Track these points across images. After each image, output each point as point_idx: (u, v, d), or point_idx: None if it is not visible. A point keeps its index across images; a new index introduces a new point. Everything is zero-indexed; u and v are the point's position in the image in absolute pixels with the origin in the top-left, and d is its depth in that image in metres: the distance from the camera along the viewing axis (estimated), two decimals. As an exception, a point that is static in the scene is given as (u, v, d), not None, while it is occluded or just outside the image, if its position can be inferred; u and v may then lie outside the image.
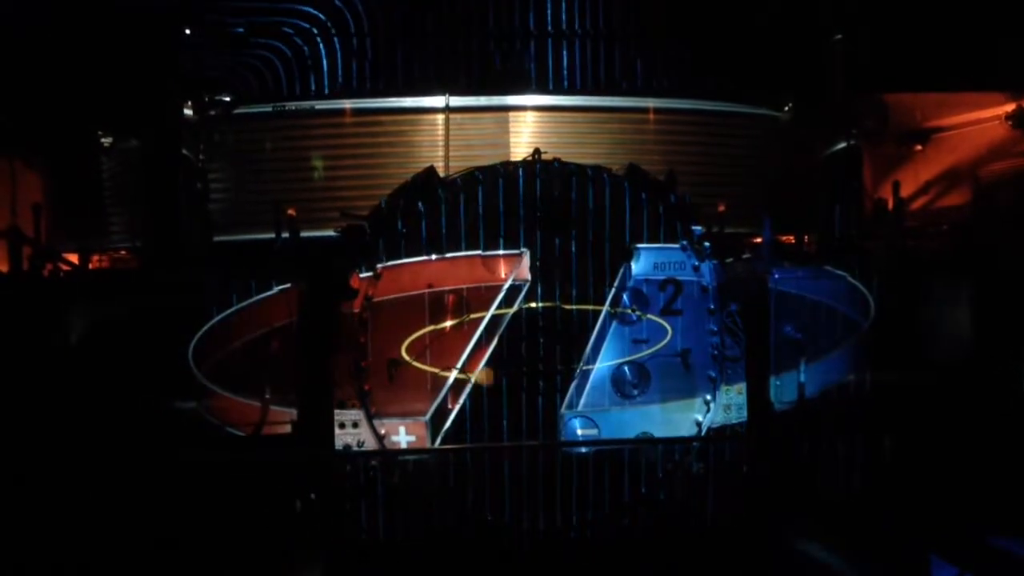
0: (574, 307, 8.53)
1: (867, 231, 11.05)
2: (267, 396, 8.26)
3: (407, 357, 8.32)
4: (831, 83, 11.19)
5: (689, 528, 8.68)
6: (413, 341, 8.34)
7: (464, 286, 8.41)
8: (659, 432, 8.61)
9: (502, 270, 8.45)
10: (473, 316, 8.36)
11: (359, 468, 8.46)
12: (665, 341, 8.63)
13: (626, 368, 8.58)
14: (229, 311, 8.38)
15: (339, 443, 8.25)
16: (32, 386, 8.09)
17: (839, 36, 11.11)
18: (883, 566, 7.94)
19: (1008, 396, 8.88)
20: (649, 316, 8.60)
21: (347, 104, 10.35)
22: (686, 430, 8.68)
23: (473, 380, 8.38)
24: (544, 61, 10.52)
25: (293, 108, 10.25)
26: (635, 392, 8.62)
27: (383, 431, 8.33)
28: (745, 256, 9.86)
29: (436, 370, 8.37)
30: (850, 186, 11.26)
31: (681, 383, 8.67)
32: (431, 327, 8.34)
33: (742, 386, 8.71)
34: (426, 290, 8.38)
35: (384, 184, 9.36)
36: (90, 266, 10.75)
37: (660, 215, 8.66)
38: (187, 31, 10.16)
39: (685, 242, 8.63)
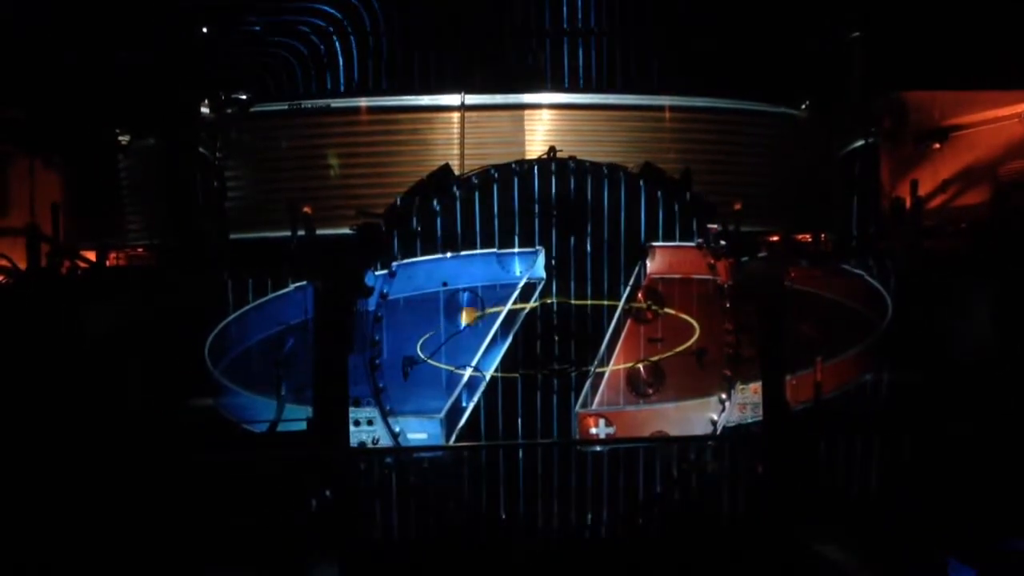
0: (589, 304, 8.51)
1: (884, 230, 10.99)
2: (282, 394, 8.28)
3: (422, 355, 8.33)
4: (849, 81, 11.12)
5: (704, 528, 8.64)
6: (428, 339, 8.34)
7: (479, 284, 8.41)
8: (674, 431, 8.58)
9: (517, 268, 8.44)
10: (488, 311, 8.36)
11: (374, 466, 8.48)
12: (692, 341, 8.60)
13: (641, 367, 8.55)
14: (245, 308, 8.41)
15: (354, 440, 8.26)
16: (48, 383, 8.14)
17: (857, 34, 11.04)
18: (899, 568, 7.89)
19: (1026, 396, 8.81)
20: (674, 313, 8.57)
21: (363, 102, 10.37)
22: (701, 429, 8.65)
23: (487, 378, 8.38)
24: (560, 59, 10.51)
25: (309, 106, 10.27)
26: (650, 391, 8.60)
27: (398, 428, 8.34)
28: (761, 255, 9.82)
29: (451, 368, 8.37)
30: (867, 185, 11.19)
31: (696, 382, 8.64)
32: (446, 325, 8.35)
33: (758, 385, 8.67)
34: (441, 288, 8.39)
35: (399, 182, 9.37)
36: (107, 264, 10.82)
37: (676, 213, 8.63)
38: (204, 29, 10.20)
39: (701, 240, 8.60)
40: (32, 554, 7.54)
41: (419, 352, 8.36)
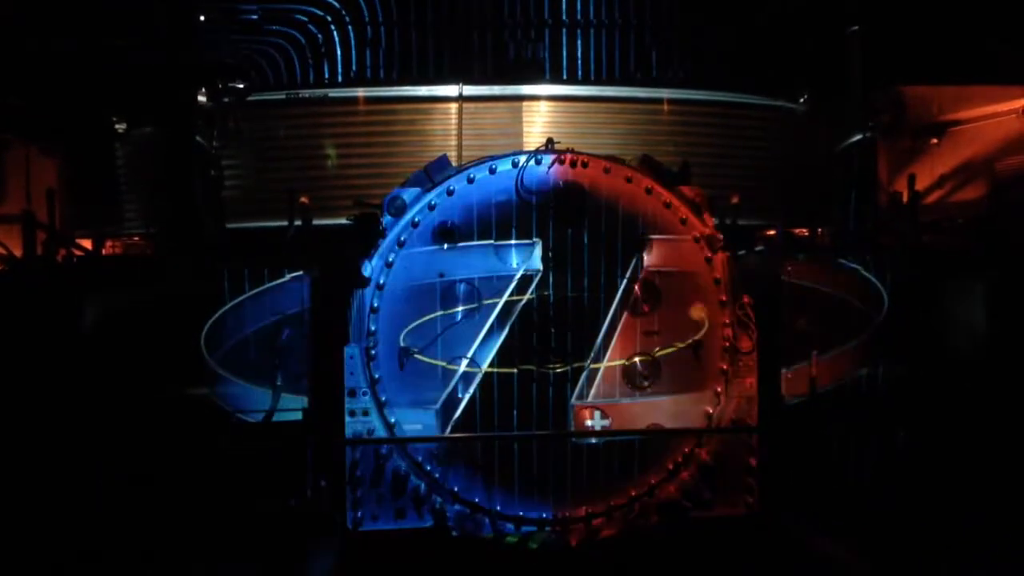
0: (585, 295, 8.50)
1: (882, 225, 11.00)
2: (278, 383, 8.28)
3: (406, 344, 8.29)
4: (847, 75, 11.13)
5: (698, 522, 8.64)
6: (418, 330, 8.31)
7: (475, 276, 8.39)
8: (669, 424, 8.58)
9: (514, 260, 8.43)
10: (485, 303, 8.35)
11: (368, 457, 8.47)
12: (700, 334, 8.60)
13: (637, 360, 8.55)
14: (241, 298, 8.40)
15: (349, 431, 8.26)
16: (44, 372, 8.14)
17: (855, 28, 11.03)
18: (897, 564, 7.91)
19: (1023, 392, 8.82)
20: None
21: (361, 92, 10.35)
22: (697, 422, 8.65)
23: (483, 370, 8.37)
24: (558, 50, 10.50)
25: (307, 96, 10.25)
26: (646, 384, 8.59)
27: (393, 419, 8.34)
28: (758, 248, 9.82)
29: (445, 362, 8.36)
30: (865, 179, 11.20)
31: (692, 375, 8.64)
32: (433, 315, 8.32)
33: (753, 379, 8.67)
34: (437, 279, 8.37)
35: (397, 172, 9.35)
36: (103, 252, 10.81)
37: (673, 206, 8.61)
38: (201, 17, 10.17)
39: (698, 234, 8.58)
40: (32, 544, 7.56)
41: (402, 341, 8.33)
